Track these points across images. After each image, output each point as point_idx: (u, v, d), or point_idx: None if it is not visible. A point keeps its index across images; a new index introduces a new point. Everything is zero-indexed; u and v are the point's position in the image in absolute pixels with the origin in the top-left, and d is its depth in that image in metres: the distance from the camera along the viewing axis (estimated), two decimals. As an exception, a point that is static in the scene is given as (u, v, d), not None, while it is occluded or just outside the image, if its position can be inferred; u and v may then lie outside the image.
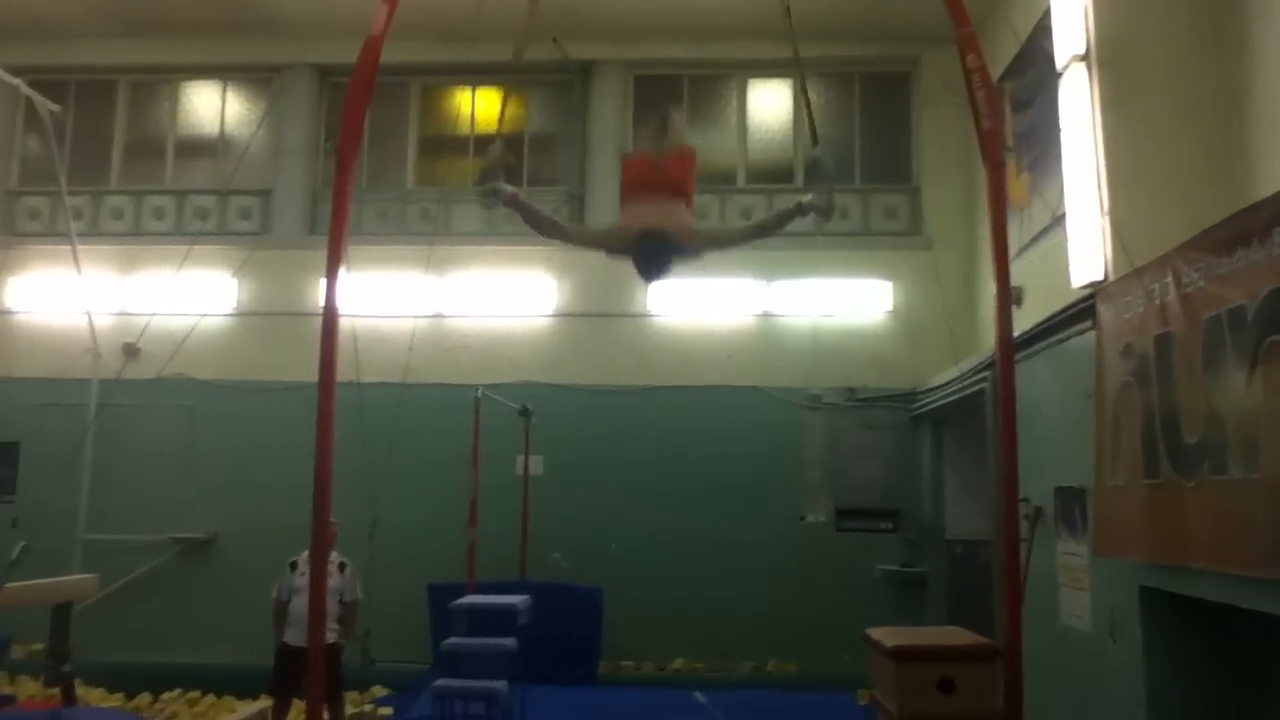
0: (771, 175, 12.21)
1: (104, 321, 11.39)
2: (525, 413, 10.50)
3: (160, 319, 9.09)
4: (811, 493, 11.16)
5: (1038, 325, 7.37)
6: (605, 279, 11.23)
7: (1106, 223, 6.70)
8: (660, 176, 5.10)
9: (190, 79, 12.94)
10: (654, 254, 4.94)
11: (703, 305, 11.65)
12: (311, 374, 4.85)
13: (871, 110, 12.28)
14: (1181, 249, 5.07)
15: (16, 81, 10.33)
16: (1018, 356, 5.72)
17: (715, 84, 12.41)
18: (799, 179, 11.92)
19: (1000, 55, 9.36)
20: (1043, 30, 8.40)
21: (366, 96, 4.90)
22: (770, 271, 11.38)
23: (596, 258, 5.66)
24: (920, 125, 12.03)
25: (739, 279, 11.37)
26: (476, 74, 12.04)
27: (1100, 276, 6.67)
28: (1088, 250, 6.89)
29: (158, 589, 11.22)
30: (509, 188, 5.19)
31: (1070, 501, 6.69)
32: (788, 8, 5.73)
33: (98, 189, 12.61)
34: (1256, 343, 4.33)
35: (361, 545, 8.62)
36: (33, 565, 9.55)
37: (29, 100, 10.91)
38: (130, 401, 10.05)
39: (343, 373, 4.89)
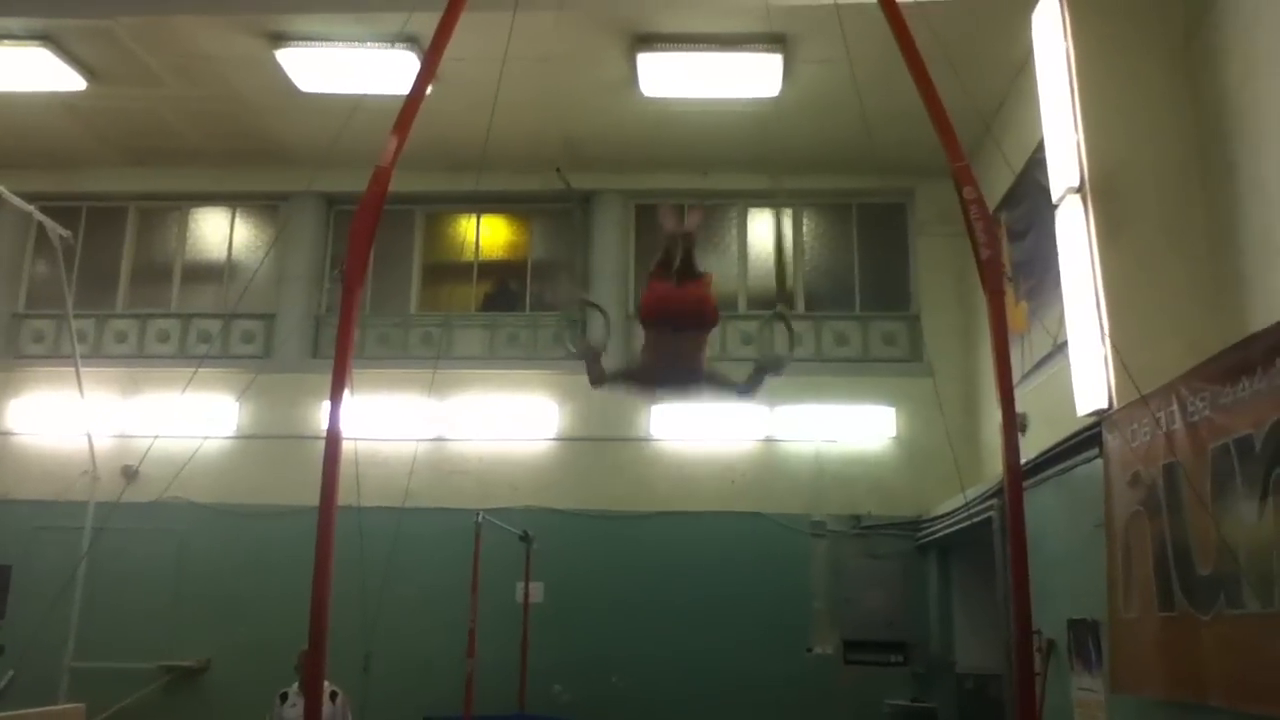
0: (771, 301, 12.28)
1: (103, 444, 11.31)
2: (526, 539, 10.35)
3: (159, 442, 9.01)
4: (818, 623, 10.90)
5: (1043, 453, 7.33)
6: (606, 403, 11.19)
7: (1108, 350, 6.72)
8: (681, 304, 5.22)
9: (199, 206, 13.18)
10: (673, 378, 5.27)
11: (704, 430, 11.60)
12: (310, 497, 4.79)
13: (869, 239, 12.44)
14: (1185, 377, 5.08)
15: (30, 208, 10.49)
16: (1024, 485, 5.67)
17: (715, 213, 12.58)
18: (800, 305, 12.04)
19: (993, 185, 9.53)
20: (1036, 163, 8.58)
21: (374, 225, 4.96)
22: (772, 397, 11.35)
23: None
24: (917, 253, 12.18)
25: (741, 404, 11.34)
26: (480, 202, 12.26)
27: (1105, 404, 6.65)
28: (1091, 378, 6.88)
29: (146, 719, 10.87)
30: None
31: (1083, 634, 6.54)
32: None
33: (103, 312, 12.71)
34: (1266, 473, 4.29)
35: (355, 675, 8.39)
36: (19, 694, 9.27)
37: (40, 226, 11.05)
38: (126, 525, 9.90)
39: (342, 496, 4.82)
